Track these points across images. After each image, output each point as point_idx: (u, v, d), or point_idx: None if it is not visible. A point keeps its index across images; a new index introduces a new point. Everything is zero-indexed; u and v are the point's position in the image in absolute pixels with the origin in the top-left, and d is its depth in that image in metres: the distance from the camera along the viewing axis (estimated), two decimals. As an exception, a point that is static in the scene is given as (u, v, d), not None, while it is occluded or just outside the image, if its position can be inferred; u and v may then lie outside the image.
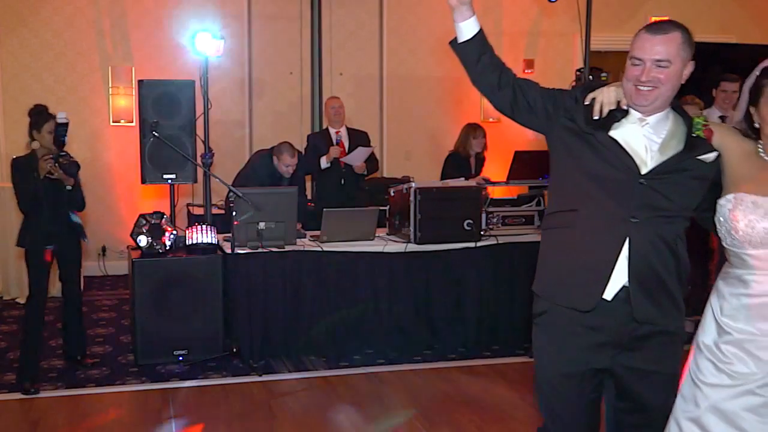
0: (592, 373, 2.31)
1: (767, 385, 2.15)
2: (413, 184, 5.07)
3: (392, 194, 5.34)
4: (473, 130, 6.39)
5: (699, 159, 2.23)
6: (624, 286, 2.21)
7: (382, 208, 5.50)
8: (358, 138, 6.36)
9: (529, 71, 8.27)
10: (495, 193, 5.98)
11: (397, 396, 4.33)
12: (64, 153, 4.41)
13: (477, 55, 2.29)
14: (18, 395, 4.30)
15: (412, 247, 5.06)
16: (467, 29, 2.29)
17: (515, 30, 8.19)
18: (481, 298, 5.22)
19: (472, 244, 5.13)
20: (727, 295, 2.25)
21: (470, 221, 5.08)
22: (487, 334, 5.25)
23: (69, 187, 4.46)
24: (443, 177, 6.22)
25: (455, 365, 4.87)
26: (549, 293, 2.34)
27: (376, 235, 5.23)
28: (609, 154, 2.22)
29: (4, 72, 7.09)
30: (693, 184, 2.24)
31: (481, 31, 2.30)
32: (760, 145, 2.25)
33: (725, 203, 2.22)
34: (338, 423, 3.98)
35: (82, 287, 4.92)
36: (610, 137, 2.23)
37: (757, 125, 2.25)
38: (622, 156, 2.21)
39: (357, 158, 6.18)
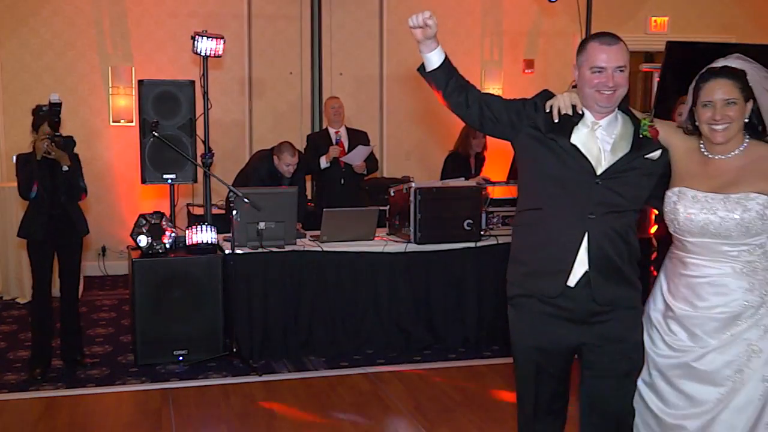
0: (562, 348, 2.55)
1: (701, 357, 2.43)
2: (413, 184, 5.07)
3: (392, 194, 5.34)
4: (473, 130, 6.38)
5: (646, 158, 2.48)
6: (585, 273, 2.46)
7: (382, 208, 5.50)
8: (358, 138, 6.36)
9: (529, 71, 8.28)
10: (495, 193, 5.96)
11: (397, 396, 4.33)
12: (59, 134, 4.43)
13: (445, 81, 2.52)
14: (18, 395, 4.31)
15: (412, 247, 5.06)
16: (434, 59, 2.51)
17: (515, 30, 8.19)
18: (481, 298, 5.22)
19: (472, 244, 5.13)
20: (671, 274, 2.55)
21: (470, 221, 5.08)
22: (487, 334, 5.24)
23: (65, 168, 4.48)
24: (443, 177, 6.22)
25: (455, 365, 4.87)
26: (520, 282, 2.58)
27: (376, 235, 5.23)
28: (568, 158, 2.46)
29: (4, 72, 7.09)
30: (642, 181, 2.50)
31: (446, 59, 2.52)
32: (701, 143, 2.49)
33: (671, 195, 2.49)
34: (338, 423, 3.98)
35: (80, 289, 4.93)
36: (571, 143, 2.47)
37: (697, 124, 2.47)
38: (579, 159, 2.45)
39: (357, 157, 6.18)
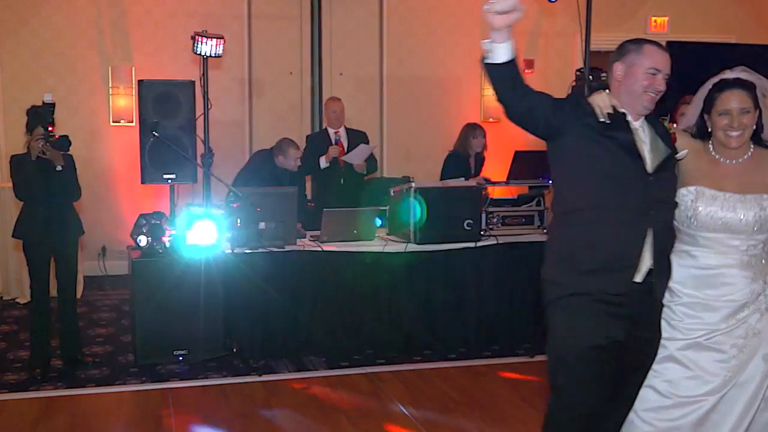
0: (612, 345, 2.55)
1: (710, 338, 2.63)
2: (413, 184, 5.07)
3: (392, 194, 5.34)
4: (473, 129, 6.38)
5: (675, 157, 2.63)
6: (649, 270, 2.53)
7: (382, 208, 5.50)
8: (357, 138, 6.35)
9: (529, 71, 8.26)
10: (495, 193, 5.96)
11: (397, 396, 4.33)
12: (52, 134, 4.44)
13: (512, 78, 2.43)
14: (18, 395, 4.31)
15: (412, 247, 5.05)
16: (505, 52, 2.41)
17: (515, 30, 8.03)
18: (481, 298, 5.22)
19: (472, 244, 5.13)
20: (676, 265, 2.67)
21: (470, 221, 5.07)
22: (487, 334, 5.24)
23: (59, 168, 4.47)
24: (443, 177, 6.21)
25: (455, 365, 4.87)
26: (574, 281, 2.54)
27: (376, 235, 5.23)
28: (623, 155, 2.50)
29: (4, 72, 7.09)
30: (674, 178, 2.64)
31: (515, 57, 2.43)
32: (710, 144, 2.69)
33: (687, 194, 2.65)
34: (338, 423, 3.98)
35: (79, 289, 4.93)
36: (632, 138, 2.52)
37: (710, 130, 2.68)
38: (634, 156, 2.51)
39: (358, 156, 6.17)
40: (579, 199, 2.56)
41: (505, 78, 2.42)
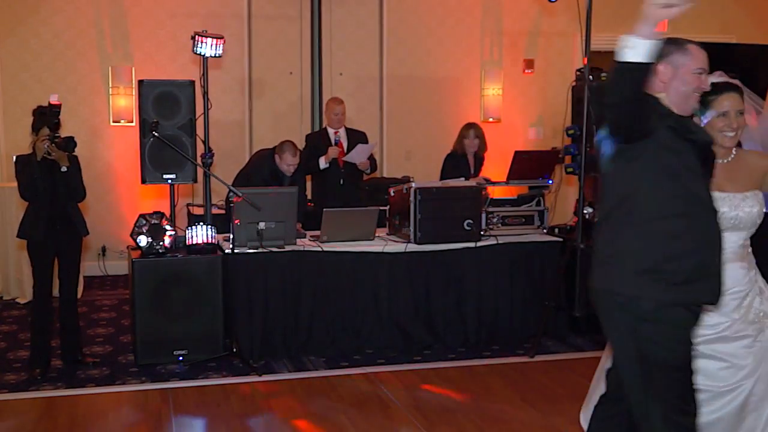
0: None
1: (734, 331, 2.82)
2: (413, 184, 5.07)
3: (392, 194, 5.34)
4: (466, 130, 6.35)
5: None
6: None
7: (382, 208, 5.50)
8: (357, 138, 6.34)
9: (529, 71, 8.27)
10: (495, 193, 5.96)
11: (397, 396, 4.33)
12: (58, 135, 4.46)
13: (642, 81, 2.21)
14: (19, 395, 4.31)
15: (412, 247, 5.06)
16: (648, 51, 2.20)
17: (515, 30, 8.19)
18: (481, 298, 5.23)
19: (472, 244, 5.13)
20: None
21: (470, 221, 5.08)
22: (487, 334, 5.25)
23: (64, 169, 4.49)
24: (443, 177, 6.21)
25: (455, 365, 4.87)
26: (666, 294, 2.38)
27: (376, 235, 5.23)
28: (695, 158, 2.41)
29: (4, 72, 7.09)
30: None
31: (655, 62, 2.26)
32: None
33: None
34: (338, 423, 3.98)
35: (79, 289, 4.93)
36: (710, 139, 2.50)
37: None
38: (701, 158, 2.44)
39: (359, 155, 6.17)
40: (663, 206, 2.39)
41: (637, 80, 2.19)
